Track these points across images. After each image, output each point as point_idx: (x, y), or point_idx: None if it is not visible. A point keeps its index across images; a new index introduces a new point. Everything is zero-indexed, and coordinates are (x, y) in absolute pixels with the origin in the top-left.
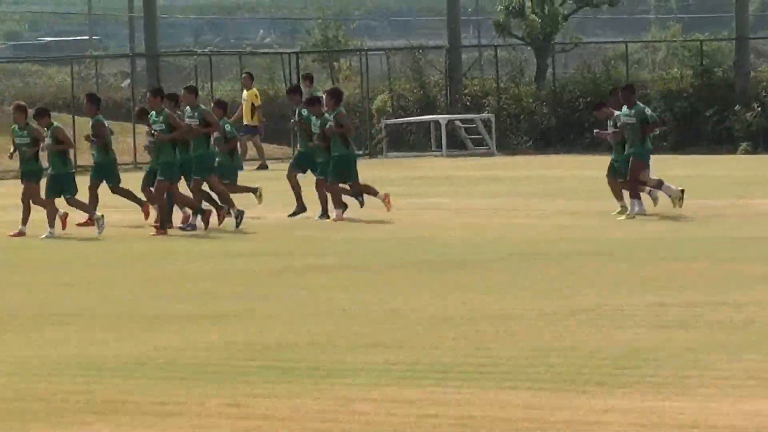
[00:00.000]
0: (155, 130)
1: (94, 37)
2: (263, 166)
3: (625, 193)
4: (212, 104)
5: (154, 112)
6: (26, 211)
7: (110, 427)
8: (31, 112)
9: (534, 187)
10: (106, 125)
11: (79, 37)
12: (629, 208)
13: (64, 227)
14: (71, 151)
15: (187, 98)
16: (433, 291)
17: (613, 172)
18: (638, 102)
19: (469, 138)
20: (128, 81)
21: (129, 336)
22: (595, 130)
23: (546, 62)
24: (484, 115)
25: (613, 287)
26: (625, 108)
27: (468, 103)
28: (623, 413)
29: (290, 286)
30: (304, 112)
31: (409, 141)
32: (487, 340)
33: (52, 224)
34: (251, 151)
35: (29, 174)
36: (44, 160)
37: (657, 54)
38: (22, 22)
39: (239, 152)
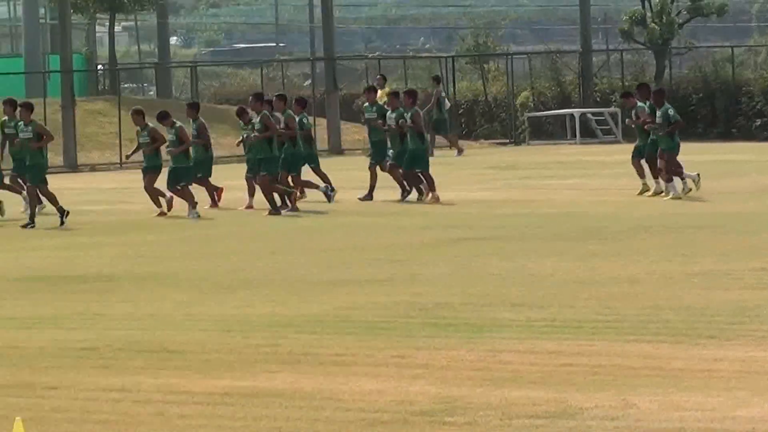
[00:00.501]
0: (256, 129)
1: (280, 44)
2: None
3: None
4: (293, 101)
5: (255, 113)
6: (154, 197)
7: (294, 376)
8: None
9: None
10: (207, 127)
11: (267, 44)
12: (655, 187)
13: (169, 209)
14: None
15: (277, 105)
16: (567, 258)
17: (637, 155)
18: (666, 103)
19: (599, 128)
20: (309, 81)
21: (309, 297)
22: (626, 120)
23: (664, 64)
24: (612, 108)
25: (722, 255)
26: (648, 105)
27: (598, 99)
28: (730, 362)
29: (446, 254)
30: (369, 109)
31: (548, 131)
32: (614, 299)
33: (193, 205)
34: None
35: (150, 168)
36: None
37: (759, 56)
38: (219, 32)
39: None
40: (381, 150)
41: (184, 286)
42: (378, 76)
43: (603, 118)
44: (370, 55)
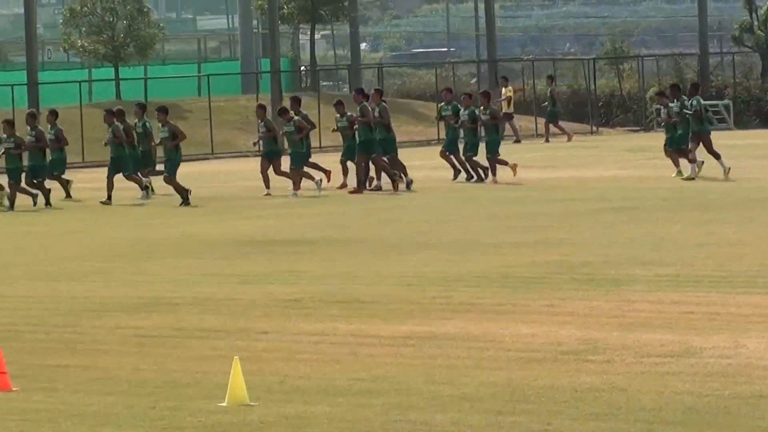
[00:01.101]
0: (356, 119)
1: (450, 49)
2: (517, 141)
3: (683, 161)
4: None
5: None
6: (267, 179)
7: (463, 322)
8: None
9: (761, 152)
10: (309, 118)
11: (440, 49)
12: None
13: (328, 180)
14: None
15: (374, 98)
16: (689, 224)
17: (669, 145)
18: (698, 96)
19: (715, 117)
20: (475, 80)
21: (474, 257)
22: (658, 118)
23: None
24: (725, 101)
25: None
26: (685, 99)
27: (713, 93)
28: None
29: (588, 222)
30: (446, 108)
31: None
32: (727, 258)
33: (297, 187)
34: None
35: (270, 153)
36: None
37: None
38: (401, 38)
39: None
40: (452, 142)
41: (372, 248)
42: (501, 78)
43: (718, 109)
44: (525, 58)
